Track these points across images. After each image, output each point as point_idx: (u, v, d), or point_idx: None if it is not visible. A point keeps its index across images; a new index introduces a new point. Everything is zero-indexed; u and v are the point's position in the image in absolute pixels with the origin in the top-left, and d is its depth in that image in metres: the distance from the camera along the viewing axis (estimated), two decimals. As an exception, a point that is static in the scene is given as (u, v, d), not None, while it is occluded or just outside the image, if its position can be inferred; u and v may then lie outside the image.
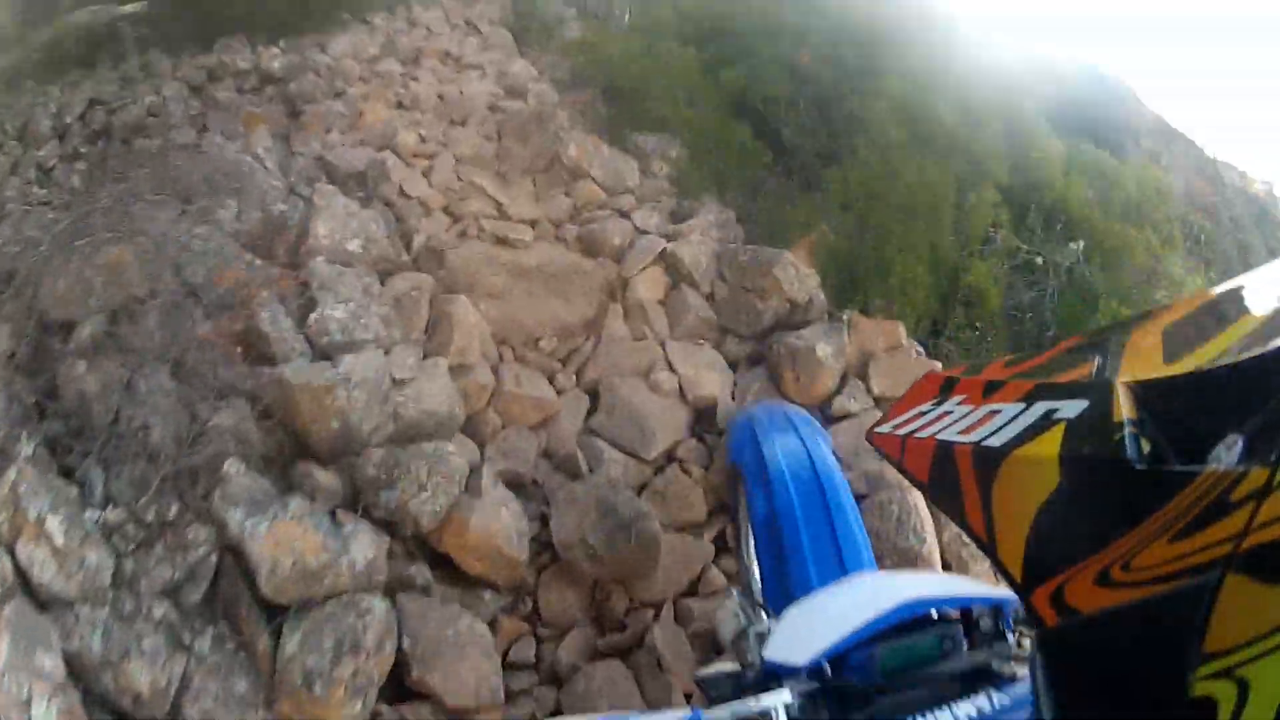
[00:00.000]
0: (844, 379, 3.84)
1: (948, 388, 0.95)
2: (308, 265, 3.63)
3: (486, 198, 4.64)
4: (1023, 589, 0.69)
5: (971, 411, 0.84)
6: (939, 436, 0.86)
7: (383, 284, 3.83)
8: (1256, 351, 0.60)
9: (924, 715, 0.94)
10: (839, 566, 1.73)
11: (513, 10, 7.89)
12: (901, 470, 0.93)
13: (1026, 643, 1.03)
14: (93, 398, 2.90)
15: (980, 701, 0.96)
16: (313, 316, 3.37)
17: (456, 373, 3.53)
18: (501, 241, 4.24)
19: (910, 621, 1.06)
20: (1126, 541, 0.59)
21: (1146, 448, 0.61)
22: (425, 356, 3.50)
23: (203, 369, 3.07)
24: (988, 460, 0.75)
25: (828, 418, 3.70)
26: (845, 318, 3.98)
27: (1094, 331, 1.18)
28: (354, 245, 3.78)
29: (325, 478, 2.89)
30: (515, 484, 3.31)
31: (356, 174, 4.60)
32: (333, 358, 3.19)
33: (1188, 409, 0.62)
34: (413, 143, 4.90)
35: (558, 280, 4.04)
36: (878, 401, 3.81)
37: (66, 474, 2.71)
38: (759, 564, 1.96)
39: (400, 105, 5.47)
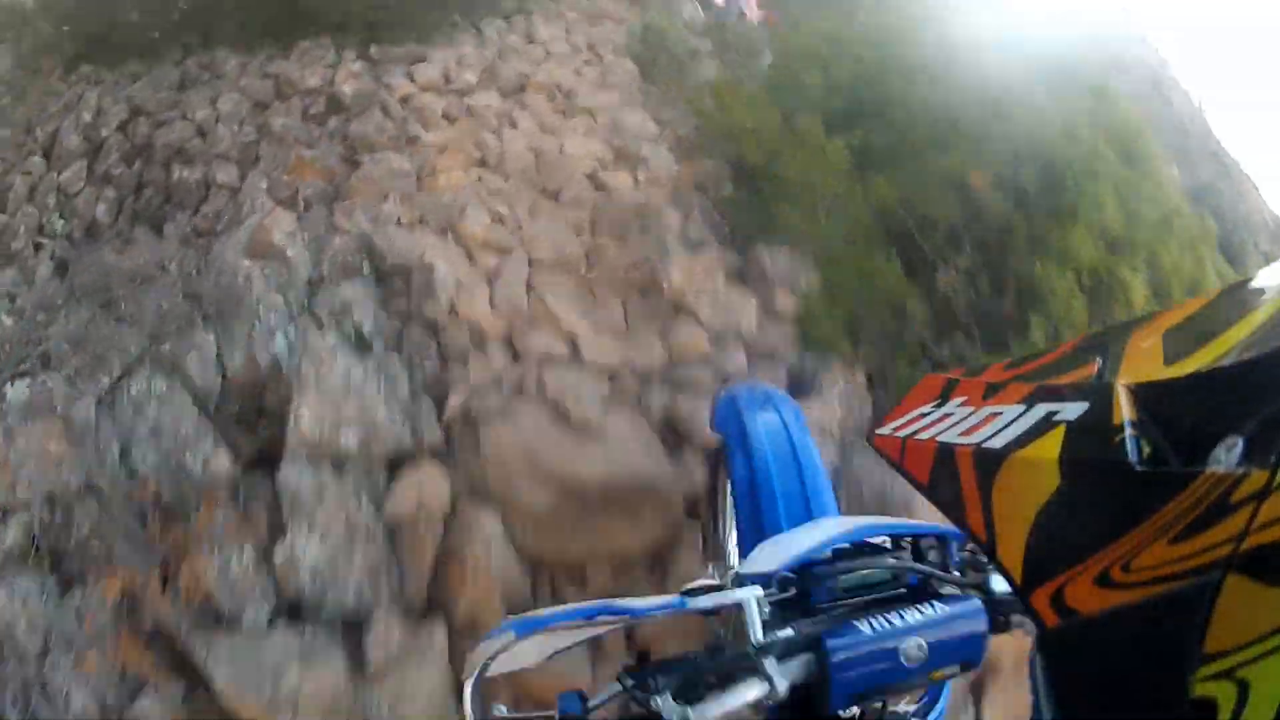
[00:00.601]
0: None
1: (948, 390, 0.96)
2: (281, 469, 2.95)
3: (559, 330, 3.87)
4: (1023, 590, 0.70)
5: (972, 413, 0.86)
6: (939, 438, 0.87)
7: (388, 484, 3.08)
8: (1256, 353, 0.62)
9: (875, 617, 1.03)
10: (807, 515, 1.90)
11: (641, 37, 7.00)
12: (902, 472, 0.94)
13: (970, 572, 1.15)
14: (21, 635, 2.54)
15: (925, 609, 1.05)
16: (280, 550, 2.77)
17: (464, 632, 2.79)
18: (563, 417, 3.39)
19: (866, 550, 1.17)
20: (1127, 543, 0.59)
21: (1146, 449, 0.62)
22: (425, 610, 2.84)
23: (140, 607, 2.64)
24: (988, 462, 0.77)
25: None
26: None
27: (1094, 334, 1.11)
28: (349, 438, 3.09)
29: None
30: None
31: (404, 269, 3.49)
32: (304, 609, 2.70)
33: (1188, 411, 0.63)
34: (483, 227, 4.14)
35: (625, 497, 3.19)
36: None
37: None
38: (737, 520, 2.09)
39: (483, 163, 4.58)
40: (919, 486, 0.89)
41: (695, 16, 8.33)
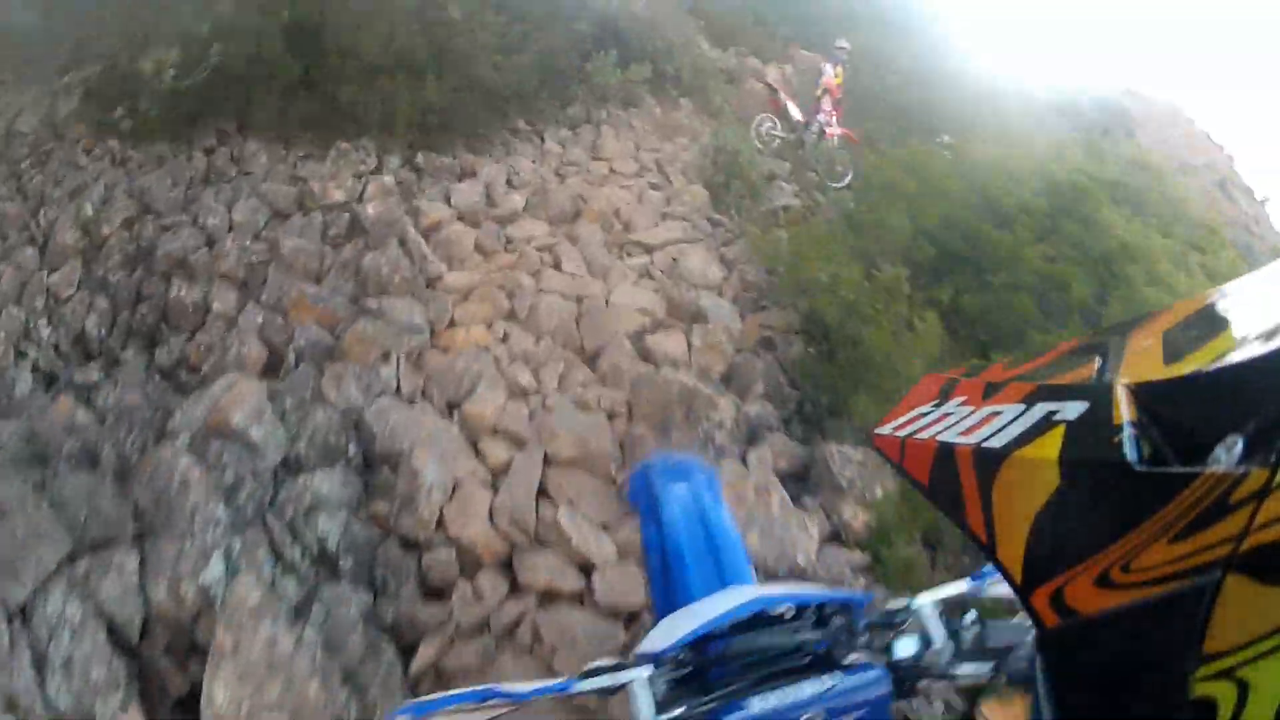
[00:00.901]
0: None
1: (948, 390, 0.98)
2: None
3: (568, 553, 3.15)
4: (1023, 590, 0.71)
5: (972, 413, 0.86)
6: (939, 438, 0.87)
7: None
8: (1256, 353, 0.61)
9: (771, 691, 1.06)
10: (719, 580, 1.90)
11: (714, 158, 6.07)
12: (901, 472, 0.94)
13: (876, 637, 1.17)
14: None
15: (825, 681, 1.08)
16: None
17: None
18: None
19: (766, 618, 1.21)
20: (1126, 543, 0.60)
21: (1146, 449, 0.63)
22: None
23: None
24: (988, 461, 0.77)
25: None
26: None
27: (1094, 334, 1.03)
28: (271, 721, 2.30)
29: None
30: None
31: (394, 456, 2.90)
32: None
33: (1187, 411, 0.64)
34: (496, 408, 3.33)
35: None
36: None
37: None
38: (651, 589, 2.09)
39: (511, 315, 3.79)
40: (918, 486, 0.92)
41: (773, 133, 8.03)
